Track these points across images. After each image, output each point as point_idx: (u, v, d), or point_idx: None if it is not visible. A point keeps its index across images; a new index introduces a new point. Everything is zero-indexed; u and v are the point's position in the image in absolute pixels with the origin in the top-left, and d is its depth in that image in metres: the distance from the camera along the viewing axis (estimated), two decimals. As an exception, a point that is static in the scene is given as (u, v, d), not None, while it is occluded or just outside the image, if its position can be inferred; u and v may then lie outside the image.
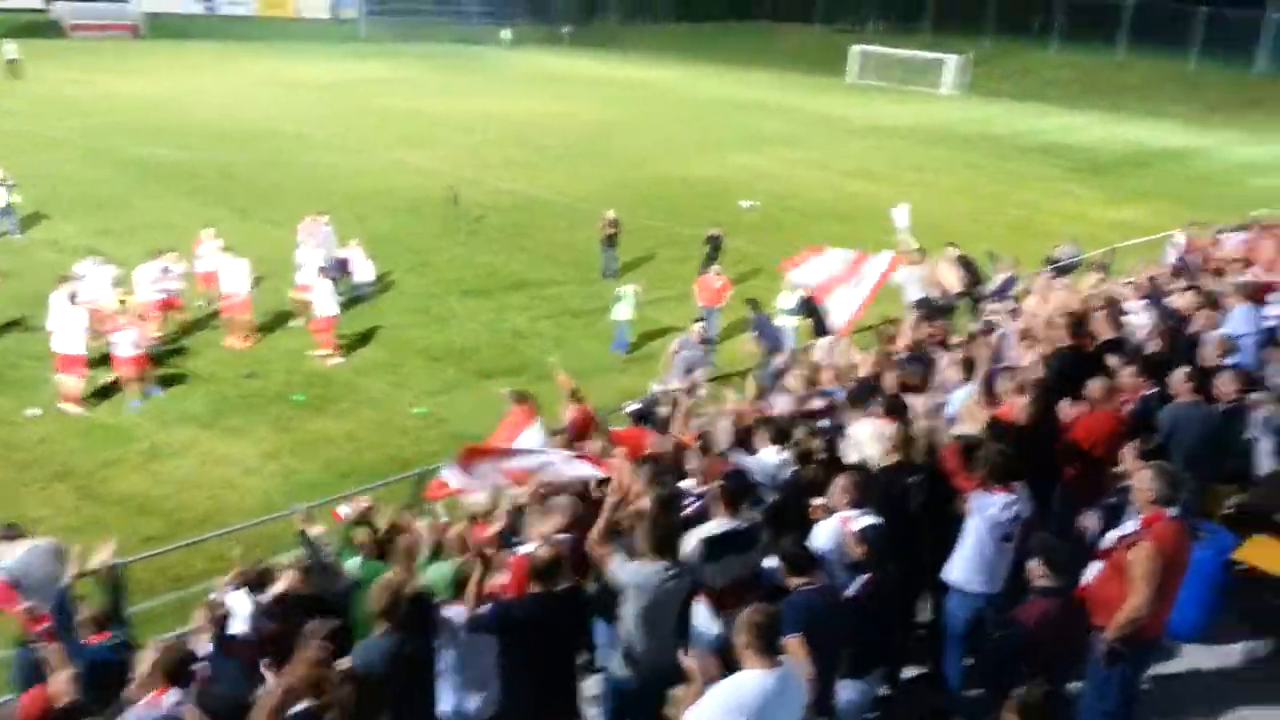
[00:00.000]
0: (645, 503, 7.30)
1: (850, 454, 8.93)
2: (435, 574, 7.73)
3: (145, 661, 6.62)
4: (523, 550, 7.36)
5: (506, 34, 75.63)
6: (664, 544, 6.62)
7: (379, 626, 6.30)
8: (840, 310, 14.51)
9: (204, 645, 7.54)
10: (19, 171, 24.54)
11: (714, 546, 7.05)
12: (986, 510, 7.23)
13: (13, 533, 8.71)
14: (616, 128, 43.84)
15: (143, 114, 38.56)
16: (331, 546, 9.04)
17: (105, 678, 7.04)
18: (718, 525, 7.21)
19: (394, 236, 24.05)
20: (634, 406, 11.98)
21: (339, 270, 20.88)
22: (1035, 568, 6.49)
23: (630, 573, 6.58)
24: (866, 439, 9.03)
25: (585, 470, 8.57)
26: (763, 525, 7.45)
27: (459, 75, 57.65)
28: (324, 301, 18.28)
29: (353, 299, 20.69)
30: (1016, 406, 8.50)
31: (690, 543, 7.07)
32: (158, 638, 7.69)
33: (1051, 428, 8.61)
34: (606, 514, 6.85)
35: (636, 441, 10.21)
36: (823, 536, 7.20)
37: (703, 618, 7.08)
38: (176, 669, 6.39)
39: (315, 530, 8.62)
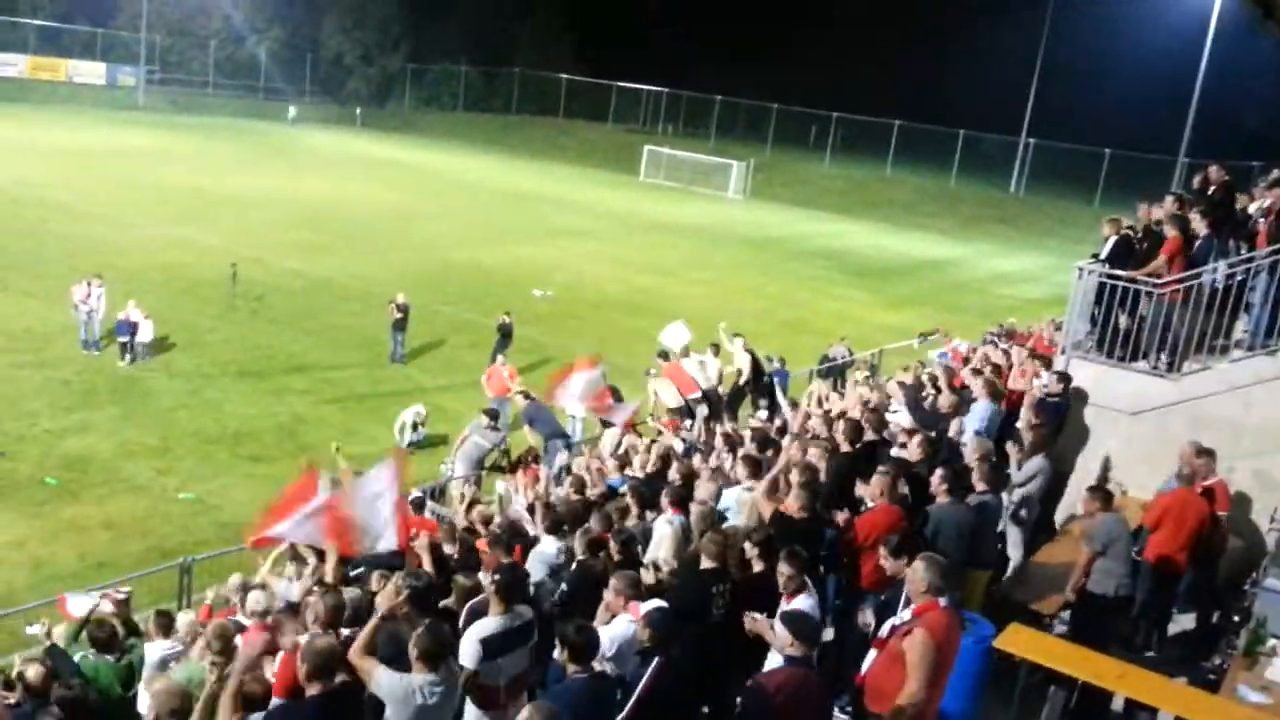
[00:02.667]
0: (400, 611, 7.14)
1: (648, 552, 9.11)
2: (183, 675, 7.33)
3: None
4: (294, 640, 7.05)
5: (292, 111, 74.24)
6: (433, 656, 6.38)
7: None
8: (618, 411, 15.12)
9: None
10: None
11: (491, 644, 6.95)
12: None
13: None
14: (409, 212, 43.61)
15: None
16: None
17: None
18: (494, 622, 7.10)
19: (166, 314, 22.94)
20: (415, 494, 11.84)
21: (124, 331, 20.82)
22: (783, 634, 6.72)
23: (392, 686, 6.30)
24: (660, 538, 9.25)
25: (389, 538, 8.40)
26: (533, 622, 7.36)
27: (242, 151, 56.04)
28: None
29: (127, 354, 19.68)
30: (794, 501, 8.88)
31: (468, 643, 6.95)
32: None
33: (824, 524, 9.06)
34: (372, 626, 6.63)
35: (430, 529, 10.12)
36: (614, 627, 7.26)
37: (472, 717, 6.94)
38: None
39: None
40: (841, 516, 9.24)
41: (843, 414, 12.67)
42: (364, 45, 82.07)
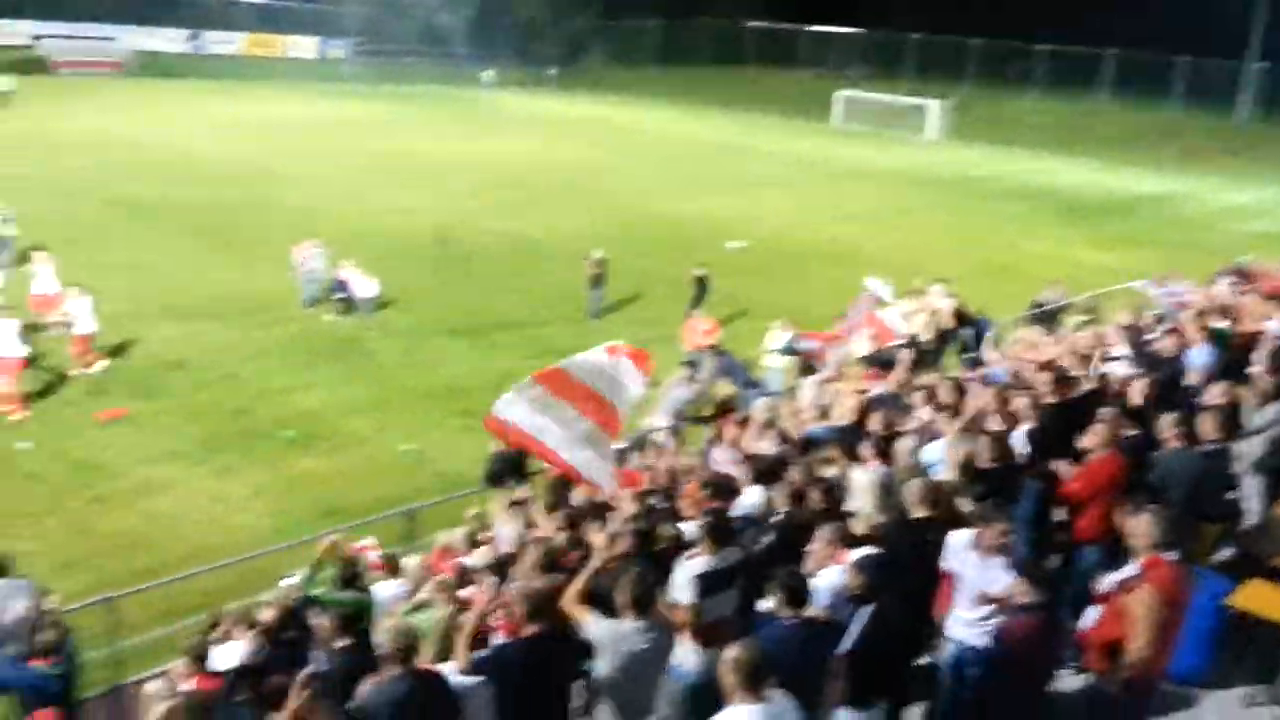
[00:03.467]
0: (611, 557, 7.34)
1: (848, 501, 9.08)
2: (421, 621, 7.77)
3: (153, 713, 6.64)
4: (515, 587, 7.41)
5: (489, 75, 76.16)
6: (643, 603, 6.57)
7: (390, 669, 6.20)
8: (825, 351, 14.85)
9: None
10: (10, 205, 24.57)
11: (703, 581, 7.12)
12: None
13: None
14: (603, 169, 44.20)
15: (127, 152, 38.61)
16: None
17: (37, 702, 7.65)
18: (705, 562, 7.30)
19: (380, 276, 24.12)
20: (618, 445, 12.09)
21: (340, 290, 22.55)
22: (1016, 585, 6.56)
23: (602, 632, 6.52)
24: (862, 489, 9.19)
25: (605, 475, 8.55)
26: (743, 564, 7.52)
27: (444, 116, 58.05)
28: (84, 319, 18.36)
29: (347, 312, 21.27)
30: (985, 450, 8.68)
31: (682, 580, 7.15)
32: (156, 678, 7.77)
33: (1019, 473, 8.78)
34: (586, 575, 6.88)
35: (630, 480, 10.37)
36: (825, 575, 7.29)
37: (682, 654, 7.11)
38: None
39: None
40: (1062, 466, 8.92)
41: (1053, 362, 12.18)
42: (555, 6, 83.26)
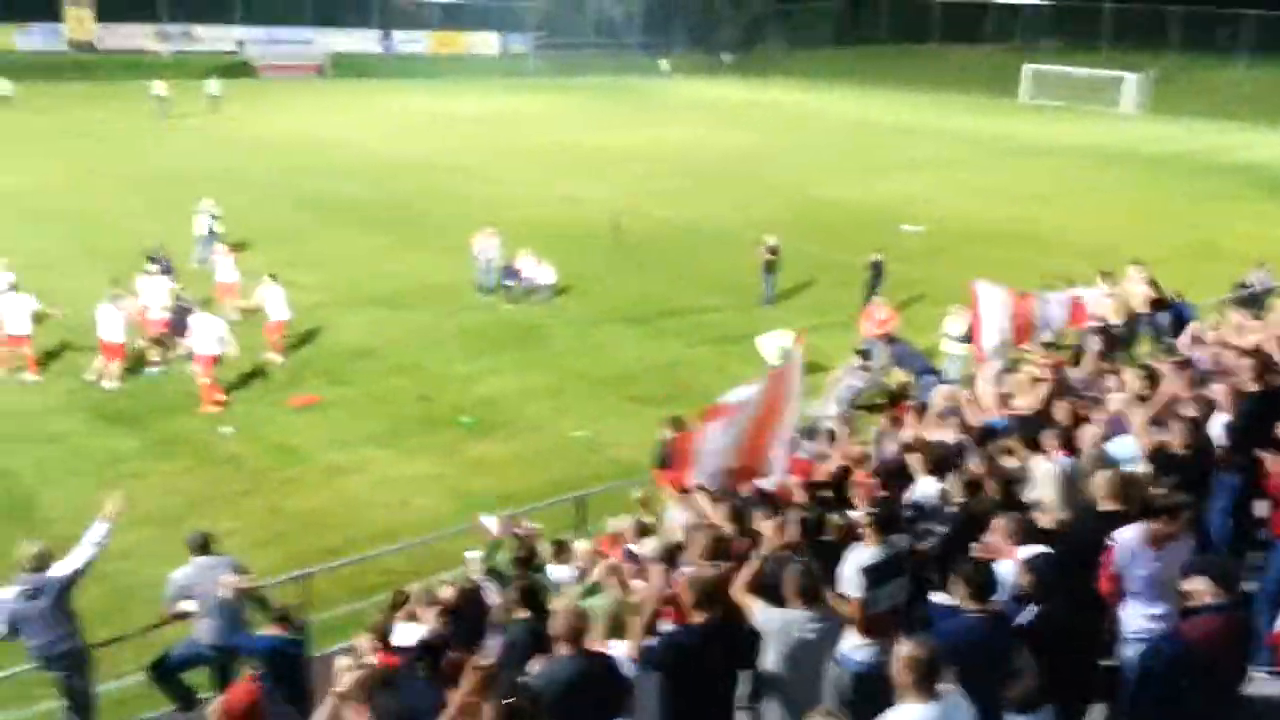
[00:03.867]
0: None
1: (1028, 492, 8.72)
2: (592, 605, 7.86)
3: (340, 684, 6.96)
4: (684, 573, 7.40)
5: (665, 64, 76.58)
6: (810, 593, 6.49)
7: (562, 649, 6.26)
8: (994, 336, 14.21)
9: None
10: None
11: (871, 573, 6.98)
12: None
13: (201, 539, 9.35)
14: (777, 154, 43.80)
15: (322, 150, 40.62)
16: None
17: (282, 665, 8.04)
18: (871, 552, 7.15)
19: (559, 265, 24.60)
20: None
21: (512, 277, 23.32)
22: (1201, 585, 6.14)
23: (774, 620, 6.46)
24: (1044, 480, 8.80)
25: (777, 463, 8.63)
26: (909, 554, 7.33)
27: (620, 106, 58.70)
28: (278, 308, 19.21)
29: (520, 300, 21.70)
30: (1176, 437, 8.16)
31: (849, 572, 7.01)
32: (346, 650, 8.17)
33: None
34: (754, 563, 6.81)
35: (800, 469, 10.24)
36: (1000, 568, 7.02)
37: (849, 644, 6.97)
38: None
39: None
40: (1268, 457, 8.30)
41: (1258, 348, 11.34)
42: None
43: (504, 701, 5.10)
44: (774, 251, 23.50)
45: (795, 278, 24.57)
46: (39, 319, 17.83)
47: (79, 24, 63.22)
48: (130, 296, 18.39)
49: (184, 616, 9.28)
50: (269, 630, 8.56)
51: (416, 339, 20.70)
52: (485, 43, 78.93)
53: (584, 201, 33.01)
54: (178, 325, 18.12)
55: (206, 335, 17.25)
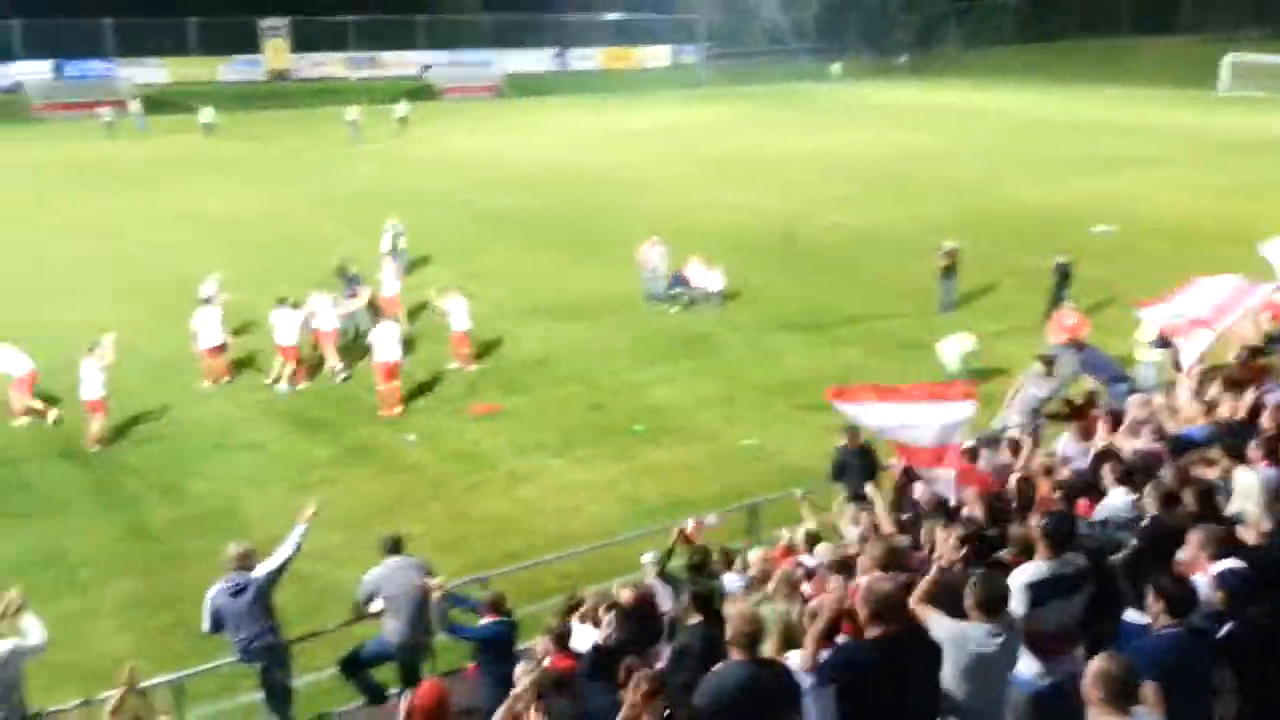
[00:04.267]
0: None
1: (1231, 504, 8.21)
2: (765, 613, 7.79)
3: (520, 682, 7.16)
4: (861, 587, 7.26)
5: (836, 68, 75.64)
6: (990, 605, 6.25)
7: (735, 655, 6.18)
8: (1194, 346, 13.37)
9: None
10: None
11: (1036, 591, 6.68)
12: None
13: (393, 541, 9.73)
14: (955, 156, 42.66)
15: (499, 168, 41.84)
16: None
17: (496, 649, 8.94)
18: (1039, 568, 6.84)
19: (728, 273, 24.62)
20: (969, 443, 11.57)
21: (680, 285, 23.58)
22: None
23: (950, 631, 6.25)
24: (1247, 490, 8.27)
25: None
26: (1087, 572, 6.96)
27: (791, 113, 58.34)
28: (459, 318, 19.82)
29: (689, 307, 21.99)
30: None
31: (1014, 588, 6.72)
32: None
33: None
34: (933, 575, 6.62)
35: (979, 480, 9.92)
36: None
37: (1025, 665, 6.67)
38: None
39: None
40: None
41: None
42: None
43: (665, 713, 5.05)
44: (952, 256, 22.85)
45: (976, 282, 23.83)
46: (236, 332, 19.13)
47: (277, 54, 67.20)
48: (305, 307, 19.44)
49: (374, 615, 9.68)
50: (485, 619, 9.12)
51: (589, 348, 21.06)
52: (657, 56, 79.83)
53: (755, 209, 32.93)
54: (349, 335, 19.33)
55: (387, 342, 18.06)
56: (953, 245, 22.96)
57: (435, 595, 9.18)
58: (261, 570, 9.19)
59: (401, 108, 52.81)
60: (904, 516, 10.20)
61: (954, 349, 18.26)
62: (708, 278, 23.62)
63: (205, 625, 9.29)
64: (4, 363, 17.66)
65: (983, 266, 24.69)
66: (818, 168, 40.46)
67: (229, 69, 66.08)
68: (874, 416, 9.81)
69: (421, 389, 19.03)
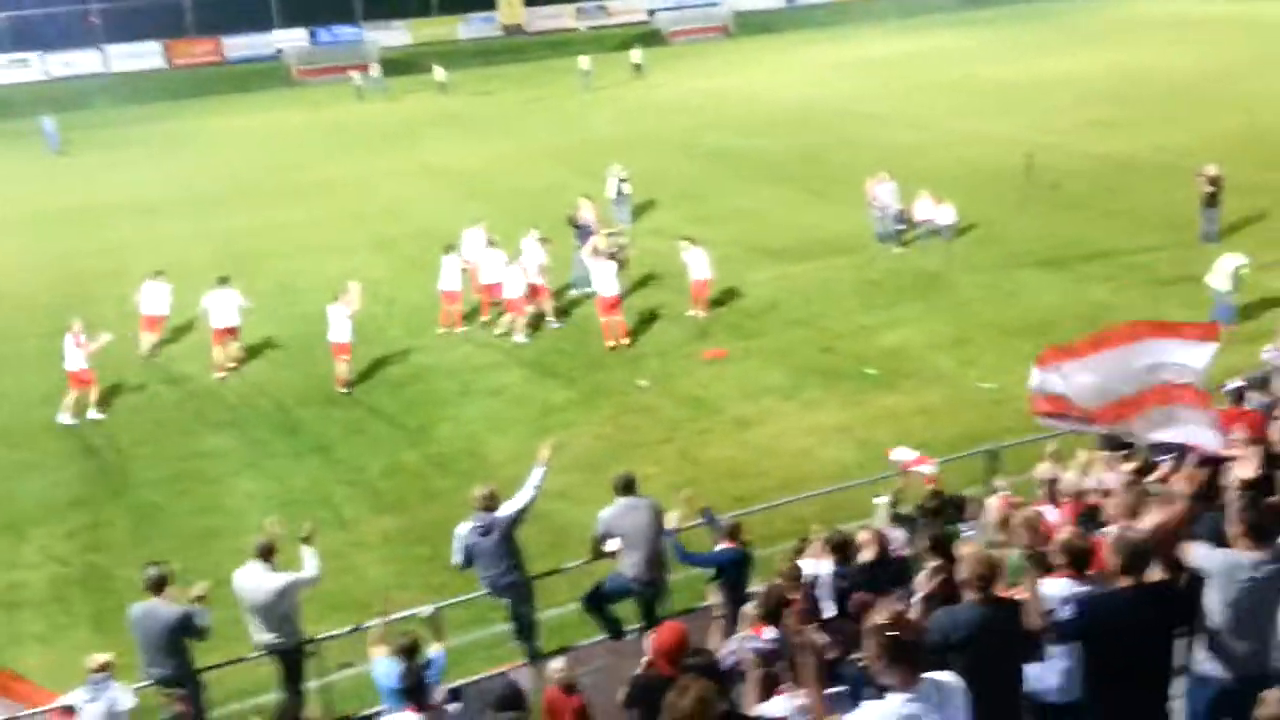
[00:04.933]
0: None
1: None
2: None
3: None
4: (1110, 535, 6.93)
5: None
6: (1259, 531, 5.92)
7: (969, 595, 6.10)
8: None
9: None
10: (626, 167, 27.70)
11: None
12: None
13: (626, 481, 9.99)
14: (1221, 74, 39.17)
15: (729, 108, 41.61)
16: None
17: (733, 575, 9.28)
18: None
19: (963, 209, 23.69)
20: (1234, 384, 10.75)
21: (900, 222, 22.92)
22: None
23: (1216, 561, 5.96)
24: None
25: (1207, 437, 7.78)
26: None
27: (1032, 34, 55.00)
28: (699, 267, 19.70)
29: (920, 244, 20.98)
30: None
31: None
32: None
33: None
34: (1181, 505, 6.26)
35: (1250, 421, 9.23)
36: None
37: None
38: (774, 610, 7.29)
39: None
40: None
41: None
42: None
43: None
44: (1215, 182, 21.07)
45: (1244, 210, 21.95)
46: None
47: (510, 9, 69.03)
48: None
49: (610, 554, 10.02)
50: (722, 545, 9.46)
51: (819, 291, 20.80)
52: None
53: (994, 139, 31.45)
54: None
55: (604, 280, 18.77)
56: (1215, 170, 21.15)
57: (674, 522, 9.53)
58: (505, 511, 9.67)
59: (636, 55, 53.18)
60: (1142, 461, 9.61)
61: (1227, 265, 17.03)
62: (938, 211, 22.83)
63: (456, 560, 9.90)
64: (217, 311, 18.75)
65: (1254, 194, 22.69)
66: (1070, 91, 38.09)
67: (465, 27, 68.47)
68: (1095, 370, 8.59)
69: (654, 334, 19.36)
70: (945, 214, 22.83)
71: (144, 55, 61.87)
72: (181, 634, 8.73)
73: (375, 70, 54.50)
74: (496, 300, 19.91)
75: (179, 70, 61.43)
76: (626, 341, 18.77)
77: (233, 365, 18.90)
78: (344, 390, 17.80)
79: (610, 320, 18.89)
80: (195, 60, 62.61)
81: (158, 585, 8.77)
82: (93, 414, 17.29)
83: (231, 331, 18.90)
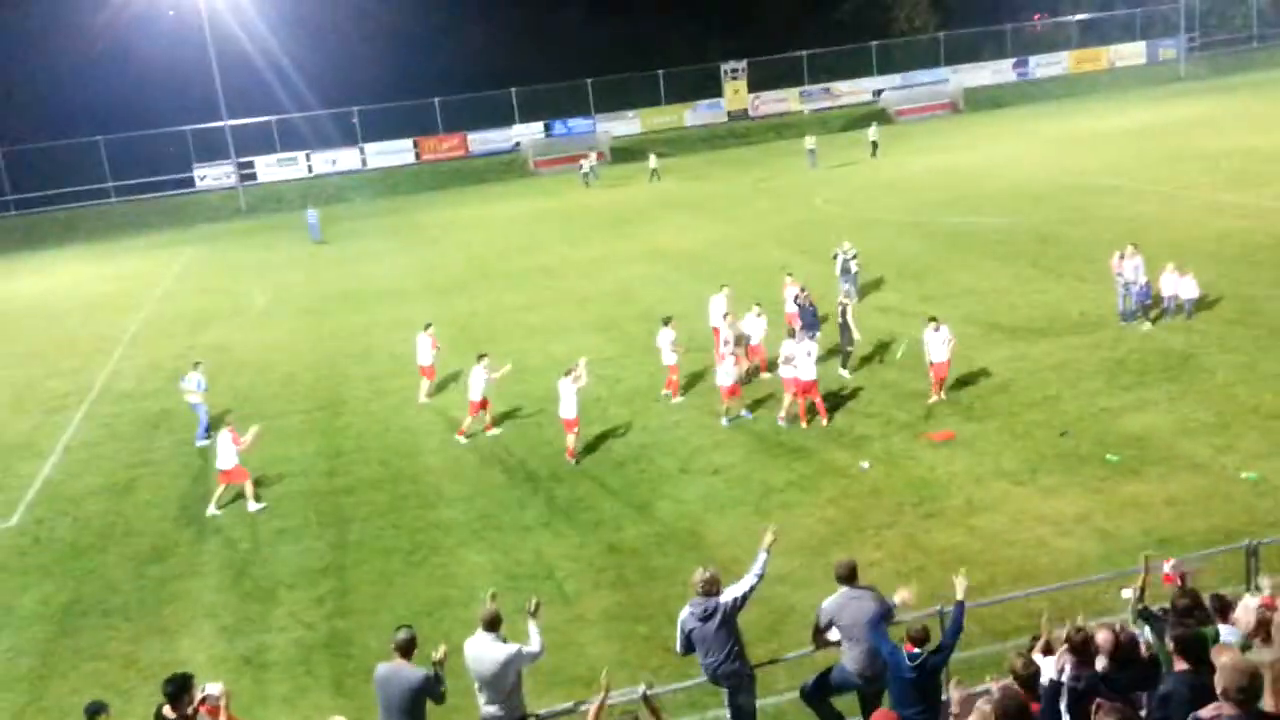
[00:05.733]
0: None
1: None
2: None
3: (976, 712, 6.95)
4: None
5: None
6: None
7: (1227, 709, 5.69)
8: None
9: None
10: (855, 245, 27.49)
11: None
12: None
13: (847, 570, 9.69)
14: None
15: (956, 185, 40.79)
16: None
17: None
18: None
19: (1219, 285, 22.15)
20: None
21: (1146, 297, 21.73)
22: None
23: None
24: None
25: None
26: None
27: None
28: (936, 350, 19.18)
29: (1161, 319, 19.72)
30: None
31: None
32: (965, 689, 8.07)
33: None
34: None
35: None
36: None
37: None
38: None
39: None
40: None
41: None
42: None
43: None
44: None
45: None
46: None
47: (736, 95, 70.55)
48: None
49: (831, 644, 9.74)
50: (906, 648, 8.84)
51: (1056, 371, 19.84)
52: (1130, 54, 73.93)
53: (1253, 213, 29.35)
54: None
55: (803, 361, 18.65)
56: None
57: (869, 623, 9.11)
58: (728, 596, 9.58)
59: (873, 132, 53.01)
60: None
61: None
62: (1181, 284, 21.55)
63: (678, 647, 9.85)
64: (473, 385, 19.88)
65: None
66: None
67: (692, 114, 70.41)
68: None
69: (877, 413, 18.95)
70: (1187, 286, 21.54)
71: (397, 152, 66.94)
72: (424, 696, 9.02)
73: (593, 158, 56.55)
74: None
75: (427, 164, 65.99)
76: (824, 422, 18.65)
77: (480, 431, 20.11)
78: (572, 462, 18.33)
79: (801, 402, 18.92)
80: (441, 155, 67.13)
81: (406, 648, 9.09)
82: (252, 506, 17.86)
83: (483, 405, 20.08)
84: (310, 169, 65.69)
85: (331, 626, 14.02)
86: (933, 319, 19.40)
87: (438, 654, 9.14)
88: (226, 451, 17.82)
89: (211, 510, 17.93)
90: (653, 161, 53.64)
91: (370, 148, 66.40)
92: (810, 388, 18.77)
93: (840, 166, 49.35)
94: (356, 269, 38.52)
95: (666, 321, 21.12)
